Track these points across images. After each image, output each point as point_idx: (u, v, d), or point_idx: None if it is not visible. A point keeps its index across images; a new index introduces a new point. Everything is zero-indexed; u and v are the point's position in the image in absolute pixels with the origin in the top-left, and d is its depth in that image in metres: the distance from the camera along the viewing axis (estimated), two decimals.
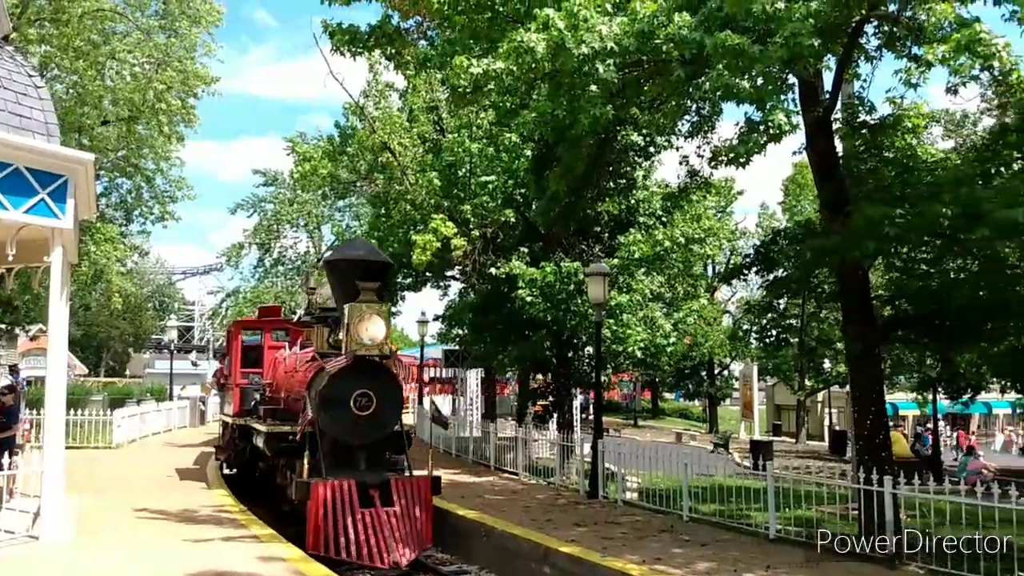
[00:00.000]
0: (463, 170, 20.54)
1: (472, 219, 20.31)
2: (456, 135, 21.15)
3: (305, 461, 10.94)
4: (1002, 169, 13.04)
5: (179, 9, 25.74)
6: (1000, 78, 10.06)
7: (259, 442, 13.66)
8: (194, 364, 46.69)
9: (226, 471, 17.91)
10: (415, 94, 23.88)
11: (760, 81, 9.10)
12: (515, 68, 10.63)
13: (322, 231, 45.96)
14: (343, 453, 11.53)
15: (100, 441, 23.03)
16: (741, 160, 9.42)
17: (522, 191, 20.97)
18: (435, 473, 12.37)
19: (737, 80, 9.10)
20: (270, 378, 15.50)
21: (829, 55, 11.06)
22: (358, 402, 11.35)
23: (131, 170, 28.93)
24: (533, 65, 10.55)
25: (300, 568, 8.96)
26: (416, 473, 12.34)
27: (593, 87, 10.43)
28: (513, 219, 20.87)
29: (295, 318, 18.29)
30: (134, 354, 71.22)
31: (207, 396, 35.06)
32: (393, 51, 15.28)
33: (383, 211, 24.17)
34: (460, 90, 12.35)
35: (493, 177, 20.40)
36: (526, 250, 21.05)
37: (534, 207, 20.84)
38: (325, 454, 11.29)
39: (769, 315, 16.62)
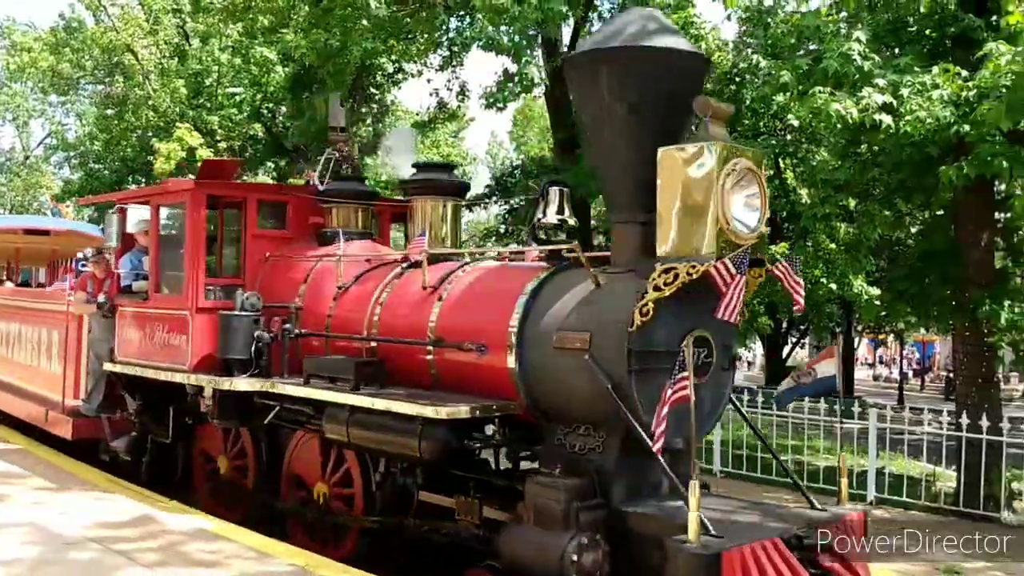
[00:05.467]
0: (210, 80, 20.27)
1: (219, 131, 20.19)
2: (203, 43, 20.72)
3: (692, 500, 4.44)
4: None
5: None
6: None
7: (367, 432, 6.09)
8: None
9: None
10: None
11: (516, 38, 10.46)
12: None
13: (31, 126, 42.19)
14: (637, 463, 5.34)
15: None
16: (499, 106, 10.79)
17: (270, 106, 21.05)
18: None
19: (496, 35, 10.42)
20: (297, 301, 7.37)
21: (571, 16, 12.67)
22: (695, 356, 5.15)
23: None
24: None
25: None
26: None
27: (364, 22, 11.31)
28: (261, 133, 20.96)
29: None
30: None
31: None
32: None
33: (117, 113, 23.08)
34: (228, 6, 12.70)
35: (241, 89, 20.33)
36: (272, 165, 21.28)
37: (288, 125, 21.03)
38: (613, 469, 5.34)
39: (504, 241, 18.43)
